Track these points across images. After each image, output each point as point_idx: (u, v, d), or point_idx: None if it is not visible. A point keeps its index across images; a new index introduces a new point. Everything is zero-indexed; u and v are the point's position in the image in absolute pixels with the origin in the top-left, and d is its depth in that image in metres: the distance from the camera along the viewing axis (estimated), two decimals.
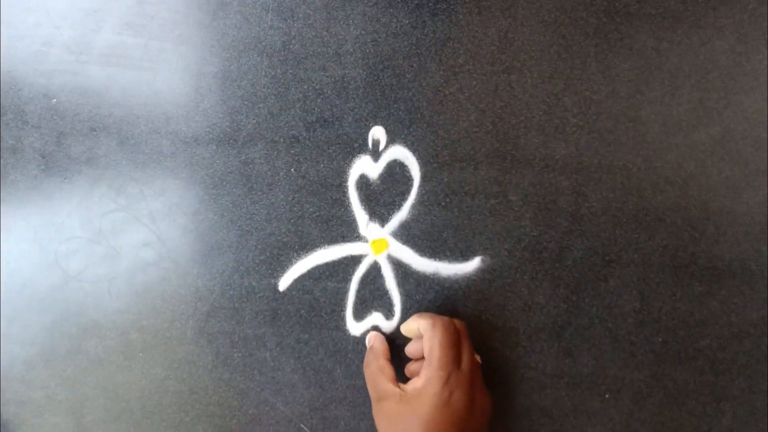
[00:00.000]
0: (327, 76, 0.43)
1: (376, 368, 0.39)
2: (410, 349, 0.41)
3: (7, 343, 0.47)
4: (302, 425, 0.46)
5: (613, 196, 0.42)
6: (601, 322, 0.43)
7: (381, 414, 0.37)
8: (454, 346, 0.37)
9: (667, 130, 0.41)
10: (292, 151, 0.44)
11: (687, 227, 0.42)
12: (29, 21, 0.44)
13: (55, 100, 0.44)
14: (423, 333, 0.38)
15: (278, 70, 0.43)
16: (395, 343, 0.44)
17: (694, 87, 0.41)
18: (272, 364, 0.45)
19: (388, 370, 0.39)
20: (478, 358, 0.40)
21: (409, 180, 0.43)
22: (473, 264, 0.43)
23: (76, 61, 0.44)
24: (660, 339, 0.43)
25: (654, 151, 0.41)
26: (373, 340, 0.42)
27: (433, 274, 0.43)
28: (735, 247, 0.42)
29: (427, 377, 0.36)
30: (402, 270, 0.44)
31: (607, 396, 0.44)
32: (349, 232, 0.44)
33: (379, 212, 0.44)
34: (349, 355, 0.45)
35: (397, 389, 0.37)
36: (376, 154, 0.43)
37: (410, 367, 0.41)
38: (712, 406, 0.43)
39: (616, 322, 0.43)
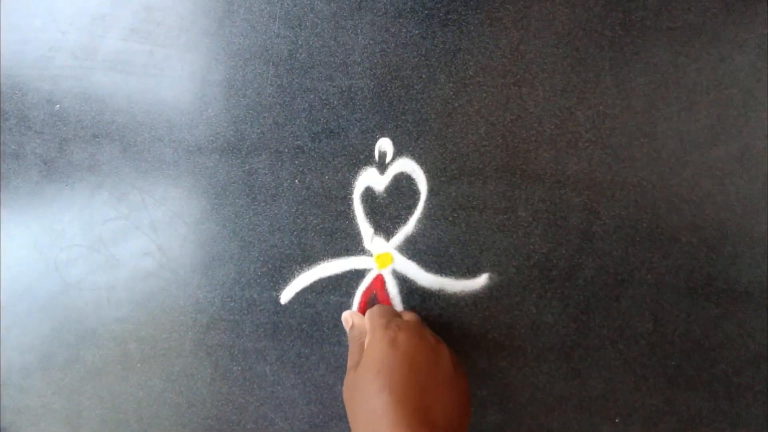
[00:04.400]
0: (334, 86, 0.42)
1: (360, 344, 0.38)
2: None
3: (6, 349, 0.46)
4: None
5: (626, 213, 0.41)
6: (612, 343, 0.42)
7: (344, 387, 0.36)
8: (389, 309, 0.39)
9: (683, 146, 0.40)
10: (296, 162, 0.43)
11: (703, 247, 0.40)
12: (35, 25, 0.44)
13: (58, 105, 0.44)
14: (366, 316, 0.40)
15: (284, 80, 0.42)
16: None
17: (712, 103, 0.40)
18: (272, 378, 0.44)
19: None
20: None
21: (415, 193, 0.42)
22: (480, 281, 0.42)
23: (81, 67, 0.44)
24: (673, 362, 0.41)
25: (670, 168, 0.40)
26: (353, 319, 0.41)
27: (439, 291, 0.42)
28: (753, 269, 0.40)
29: (370, 329, 0.36)
30: (407, 285, 0.43)
31: (617, 420, 0.42)
32: (354, 246, 0.43)
33: (385, 226, 0.43)
34: None
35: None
36: (382, 167, 0.42)
37: None
38: None
39: (628, 344, 0.41)
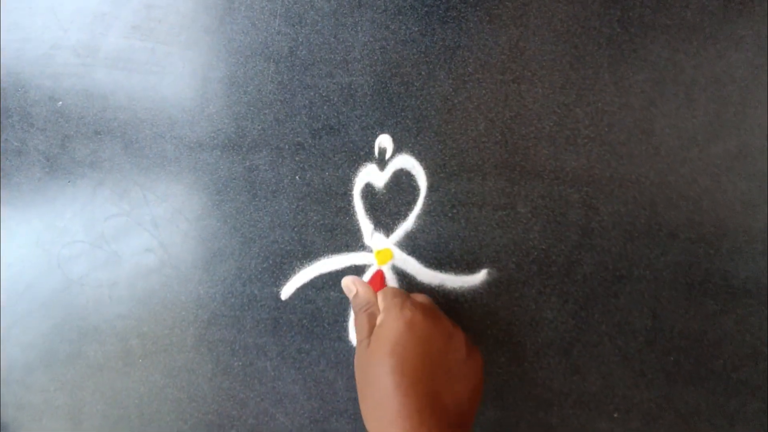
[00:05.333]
0: (334, 83, 0.42)
1: (368, 314, 0.37)
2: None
3: (8, 346, 0.46)
4: None
5: (624, 210, 0.41)
6: (611, 339, 0.42)
7: (356, 362, 0.35)
8: (403, 291, 0.38)
9: (681, 143, 0.40)
10: (297, 158, 0.43)
11: (701, 243, 0.40)
12: (37, 24, 0.44)
13: (60, 102, 0.44)
14: (378, 295, 0.38)
15: (285, 76, 0.42)
16: None
17: (710, 100, 0.40)
18: (273, 374, 0.45)
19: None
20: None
21: (415, 190, 0.42)
22: (479, 277, 0.42)
23: (83, 65, 0.44)
24: (672, 358, 0.41)
25: (668, 165, 0.40)
26: (358, 287, 0.39)
27: (438, 286, 0.43)
28: (751, 265, 0.40)
29: (385, 307, 0.36)
30: (406, 281, 0.43)
31: (615, 415, 0.42)
32: (354, 242, 0.43)
33: (385, 222, 0.43)
34: (351, 367, 0.44)
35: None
36: (382, 163, 0.42)
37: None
38: (725, 429, 0.42)
39: (626, 340, 0.42)
